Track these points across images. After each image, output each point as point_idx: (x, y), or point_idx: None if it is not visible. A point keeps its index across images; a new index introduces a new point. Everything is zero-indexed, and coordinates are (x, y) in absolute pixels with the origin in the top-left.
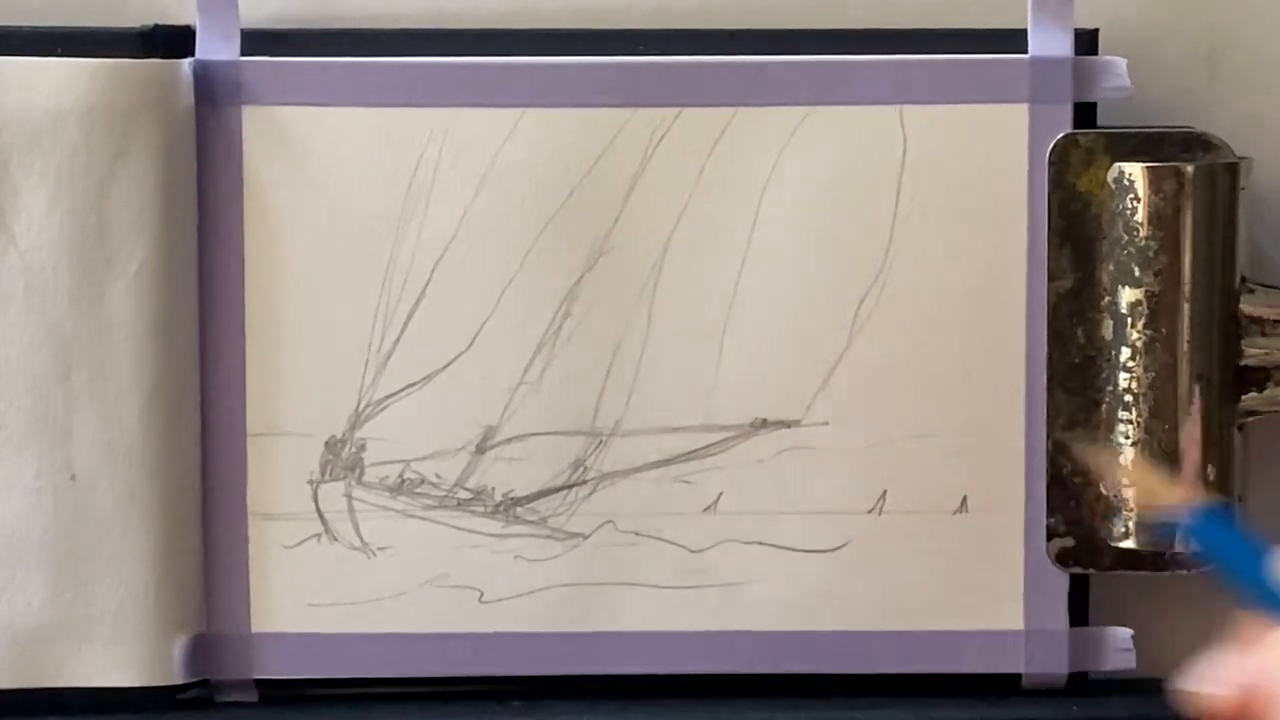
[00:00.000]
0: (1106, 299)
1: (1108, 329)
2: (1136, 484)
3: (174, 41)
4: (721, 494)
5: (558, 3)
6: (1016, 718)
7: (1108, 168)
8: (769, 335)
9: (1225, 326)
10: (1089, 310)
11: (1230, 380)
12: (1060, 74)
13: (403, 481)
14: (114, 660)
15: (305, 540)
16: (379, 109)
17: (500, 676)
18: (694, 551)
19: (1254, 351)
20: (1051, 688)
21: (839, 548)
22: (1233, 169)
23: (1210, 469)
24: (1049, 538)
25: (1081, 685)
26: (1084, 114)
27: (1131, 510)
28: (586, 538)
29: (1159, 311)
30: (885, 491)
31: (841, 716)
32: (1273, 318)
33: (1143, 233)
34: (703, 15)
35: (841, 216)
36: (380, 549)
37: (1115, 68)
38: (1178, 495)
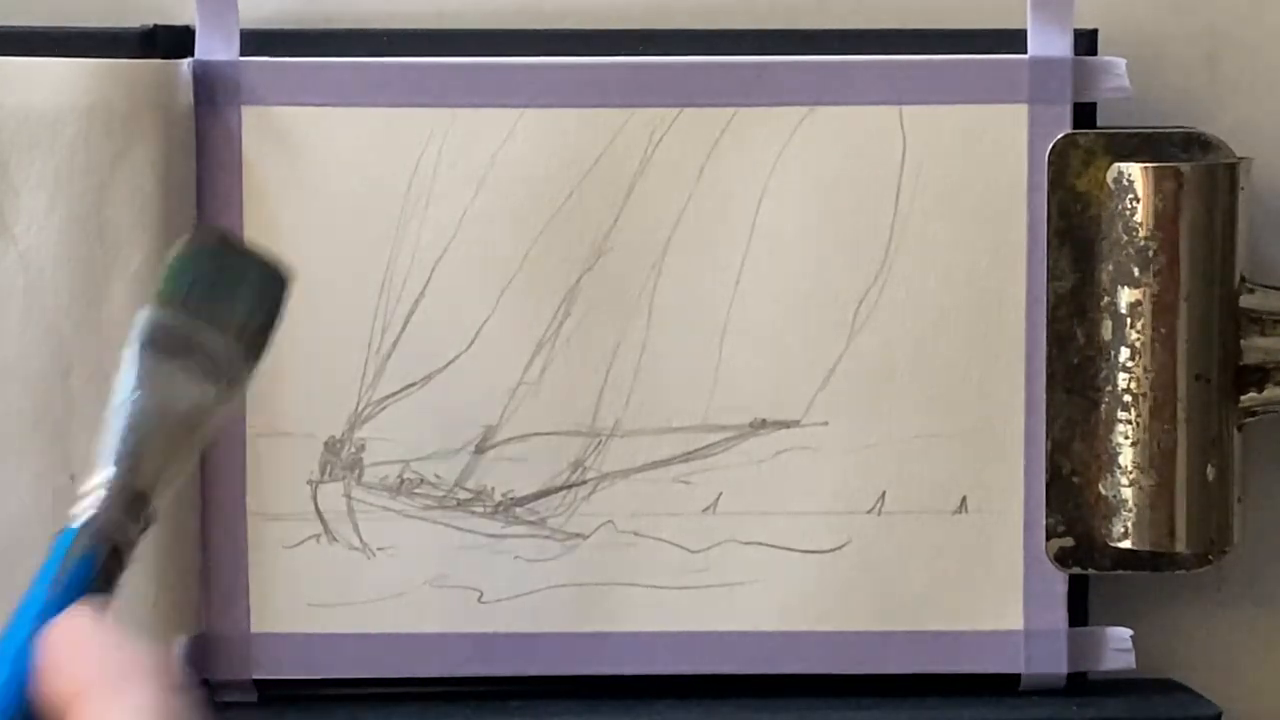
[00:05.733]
0: (1106, 299)
1: (1107, 329)
2: None
3: (174, 41)
4: (721, 494)
5: (558, 3)
6: (1016, 718)
7: (1107, 168)
8: (769, 335)
9: (1225, 326)
10: (1088, 310)
11: (1230, 380)
12: (1060, 74)
13: (402, 482)
14: None
15: (305, 540)
16: (379, 109)
17: (499, 677)
18: (694, 551)
19: (1254, 351)
20: (1051, 688)
21: (838, 548)
22: (1232, 169)
23: (1210, 469)
24: (1048, 538)
25: (1081, 685)
26: (1083, 114)
27: (1131, 510)
28: (586, 538)
29: (1158, 311)
30: (884, 491)
31: (841, 716)
32: (1273, 318)
33: (1142, 233)
34: (703, 15)
35: (841, 216)
36: (380, 549)
37: (1115, 68)
38: None
